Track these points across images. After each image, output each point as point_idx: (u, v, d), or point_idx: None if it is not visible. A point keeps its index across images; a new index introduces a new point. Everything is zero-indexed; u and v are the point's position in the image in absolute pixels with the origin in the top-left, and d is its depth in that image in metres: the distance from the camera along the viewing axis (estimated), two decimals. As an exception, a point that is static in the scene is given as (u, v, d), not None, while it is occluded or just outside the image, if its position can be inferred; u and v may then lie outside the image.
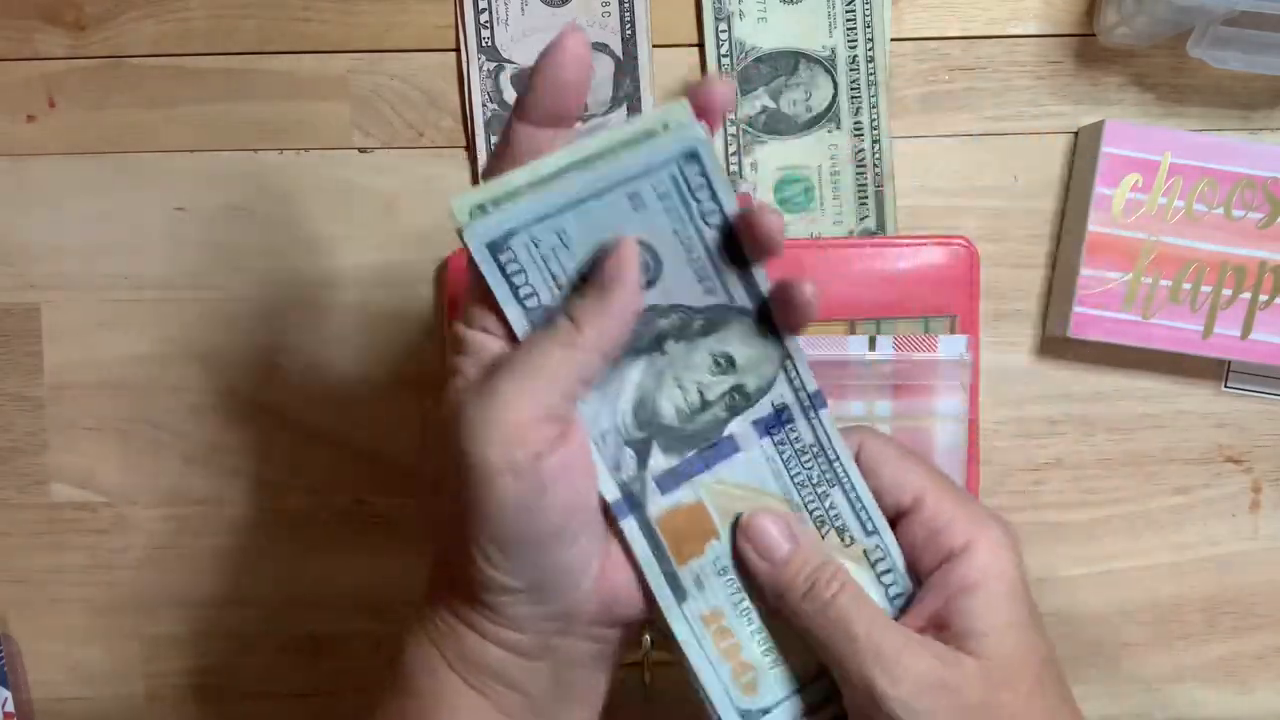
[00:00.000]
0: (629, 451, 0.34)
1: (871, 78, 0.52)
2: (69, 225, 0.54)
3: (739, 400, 0.35)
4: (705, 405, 0.35)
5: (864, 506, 0.36)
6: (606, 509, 0.34)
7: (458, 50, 0.53)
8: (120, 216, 0.54)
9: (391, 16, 0.53)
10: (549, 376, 0.31)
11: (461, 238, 0.31)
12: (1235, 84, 0.53)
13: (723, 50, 0.52)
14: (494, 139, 0.53)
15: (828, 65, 0.52)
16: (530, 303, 0.33)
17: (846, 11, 0.52)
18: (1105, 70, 0.53)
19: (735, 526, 0.35)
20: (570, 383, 0.31)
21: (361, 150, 0.54)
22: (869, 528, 0.36)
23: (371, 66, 0.53)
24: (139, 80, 0.53)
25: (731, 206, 0.33)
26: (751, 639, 0.35)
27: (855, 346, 0.49)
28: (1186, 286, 0.50)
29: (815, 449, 0.35)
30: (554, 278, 0.33)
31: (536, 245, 0.32)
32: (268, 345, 0.54)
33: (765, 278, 0.34)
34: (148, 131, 0.53)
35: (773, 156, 0.53)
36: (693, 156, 0.32)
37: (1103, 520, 0.54)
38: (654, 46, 0.53)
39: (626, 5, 0.52)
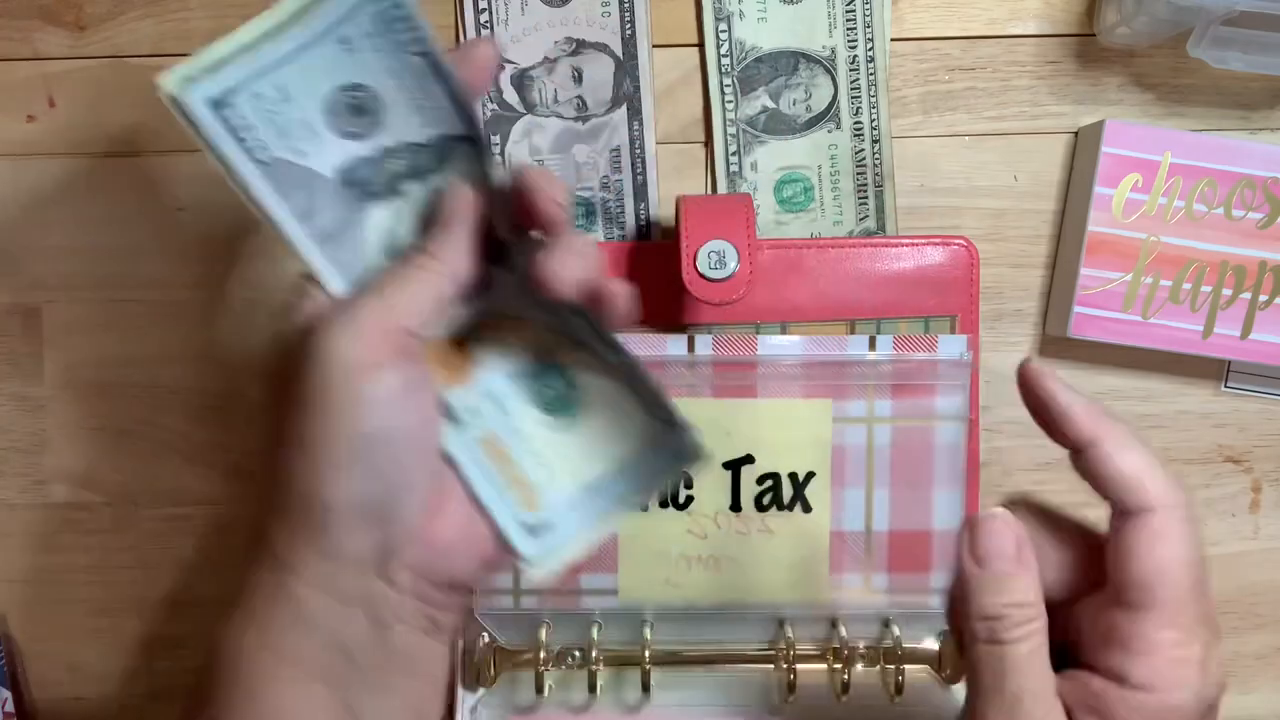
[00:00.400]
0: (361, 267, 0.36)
1: (871, 78, 0.52)
2: (69, 225, 0.54)
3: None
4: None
5: (609, 343, 0.37)
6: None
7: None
8: (120, 216, 0.54)
9: (391, 16, 0.53)
10: (410, 295, 0.34)
11: (179, 108, 0.32)
12: (1235, 84, 0.53)
13: (723, 50, 0.52)
14: (494, 139, 0.53)
15: (828, 65, 0.52)
16: (262, 155, 0.33)
17: (846, 11, 0.52)
18: (1105, 70, 0.53)
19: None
20: (429, 303, 0.35)
21: (361, 150, 0.53)
22: (623, 361, 0.37)
23: (371, 66, 0.53)
24: (139, 80, 0.53)
25: (429, 32, 0.33)
26: (527, 460, 0.37)
27: (855, 346, 0.49)
28: (1186, 286, 0.50)
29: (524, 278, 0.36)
30: (282, 129, 0.33)
31: (259, 99, 0.33)
32: (267, 345, 0.54)
33: (470, 100, 0.35)
34: (148, 131, 0.53)
35: (773, 156, 0.53)
36: None
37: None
38: (654, 46, 0.53)
39: (626, 5, 0.52)
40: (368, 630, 0.34)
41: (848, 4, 0.52)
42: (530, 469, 0.37)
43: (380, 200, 0.36)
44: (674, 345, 0.49)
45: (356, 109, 0.34)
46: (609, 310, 0.35)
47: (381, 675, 0.35)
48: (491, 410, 0.37)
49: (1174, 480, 0.33)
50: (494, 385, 0.38)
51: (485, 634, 0.51)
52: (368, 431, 0.33)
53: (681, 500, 0.50)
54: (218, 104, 0.32)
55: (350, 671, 0.34)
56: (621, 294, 0.35)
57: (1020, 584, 0.33)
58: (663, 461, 0.37)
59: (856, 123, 0.53)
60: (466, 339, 0.37)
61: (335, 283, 0.35)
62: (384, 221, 0.36)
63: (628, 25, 0.52)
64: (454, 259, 0.35)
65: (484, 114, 0.53)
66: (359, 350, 0.33)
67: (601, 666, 0.50)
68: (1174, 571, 0.32)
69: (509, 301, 0.37)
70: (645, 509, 0.49)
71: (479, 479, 0.36)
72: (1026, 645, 0.32)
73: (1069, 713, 0.32)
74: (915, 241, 0.51)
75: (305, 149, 0.34)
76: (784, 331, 0.50)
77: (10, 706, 0.53)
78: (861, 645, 0.51)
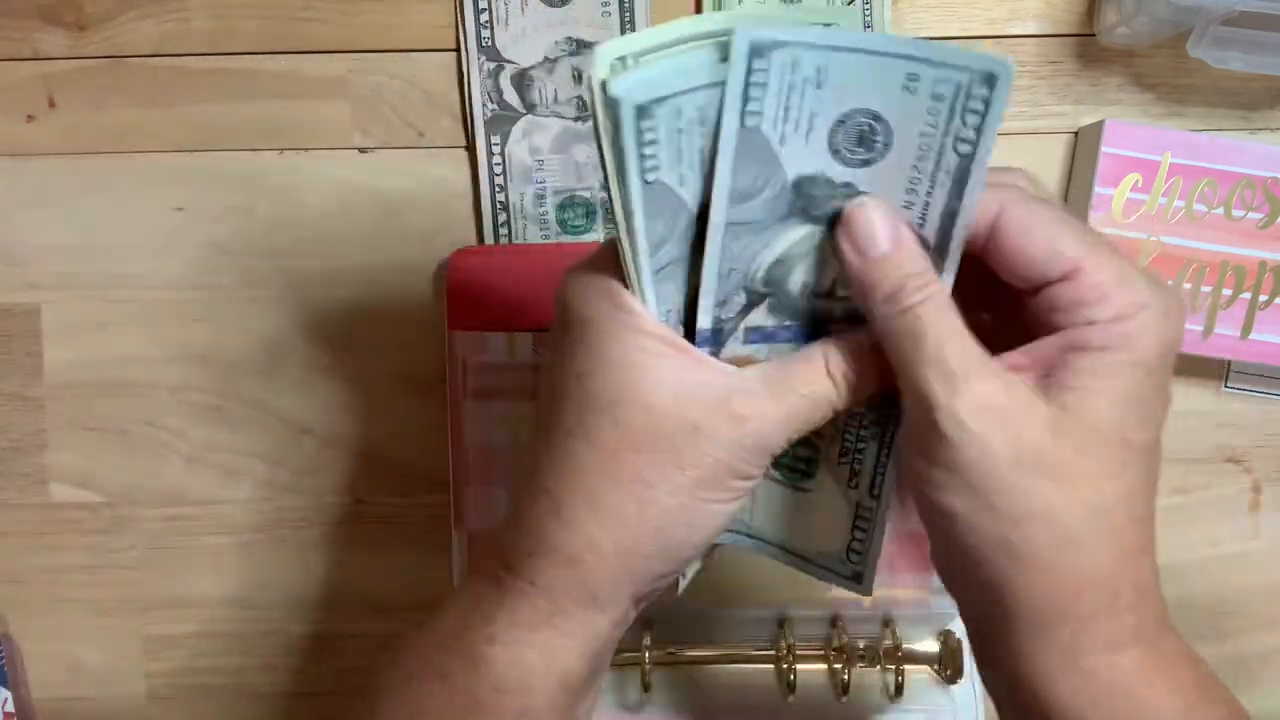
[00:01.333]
0: (741, 297, 0.34)
1: (871, 78, 0.52)
2: (69, 225, 0.54)
3: (856, 308, 0.34)
4: (830, 295, 0.35)
5: (885, 478, 0.36)
6: (690, 335, 0.34)
7: (458, 50, 0.53)
8: (120, 216, 0.54)
9: (391, 16, 0.53)
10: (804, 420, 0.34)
11: (608, 105, 0.29)
12: (1235, 84, 0.53)
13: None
14: (494, 139, 0.53)
15: (828, 65, 0.52)
16: (650, 175, 0.31)
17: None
18: (1105, 70, 0.53)
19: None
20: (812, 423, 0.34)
21: (361, 150, 0.54)
22: (875, 494, 0.36)
23: (371, 66, 0.53)
24: (139, 80, 0.53)
25: (985, 150, 0.31)
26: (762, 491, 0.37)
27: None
28: (1186, 286, 0.50)
29: (885, 400, 0.36)
30: (682, 152, 0.31)
31: (679, 115, 0.30)
32: (268, 345, 0.54)
33: (960, 245, 0.33)
34: (148, 131, 0.53)
35: (773, 156, 0.53)
36: (990, 79, 0.30)
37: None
38: (654, 46, 0.53)
39: (626, 5, 0.52)
40: (613, 647, 0.35)
41: (848, 4, 0.52)
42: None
43: (810, 223, 0.34)
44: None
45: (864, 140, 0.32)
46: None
47: (599, 681, 0.36)
48: None
49: None
50: None
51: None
52: (698, 542, 0.34)
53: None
54: (642, 111, 0.30)
55: (591, 683, 0.35)
56: None
57: (905, 256, 0.32)
58: (824, 571, 0.38)
59: (856, 123, 0.53)
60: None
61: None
62: (797, 242, 0.34)
63: (628, 25, 0.52)
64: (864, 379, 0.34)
65: (485, 114, 0.53)
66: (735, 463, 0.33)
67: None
68: (1072, 232, 0.32)
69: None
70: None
71: None
72: (932, 302, 0.31)
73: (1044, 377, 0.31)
74: (915, 241, 0.51)
75: (689, 177, 0.32)
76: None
77: (10, 706, 0.53)
78: (861, 645, 0.51)
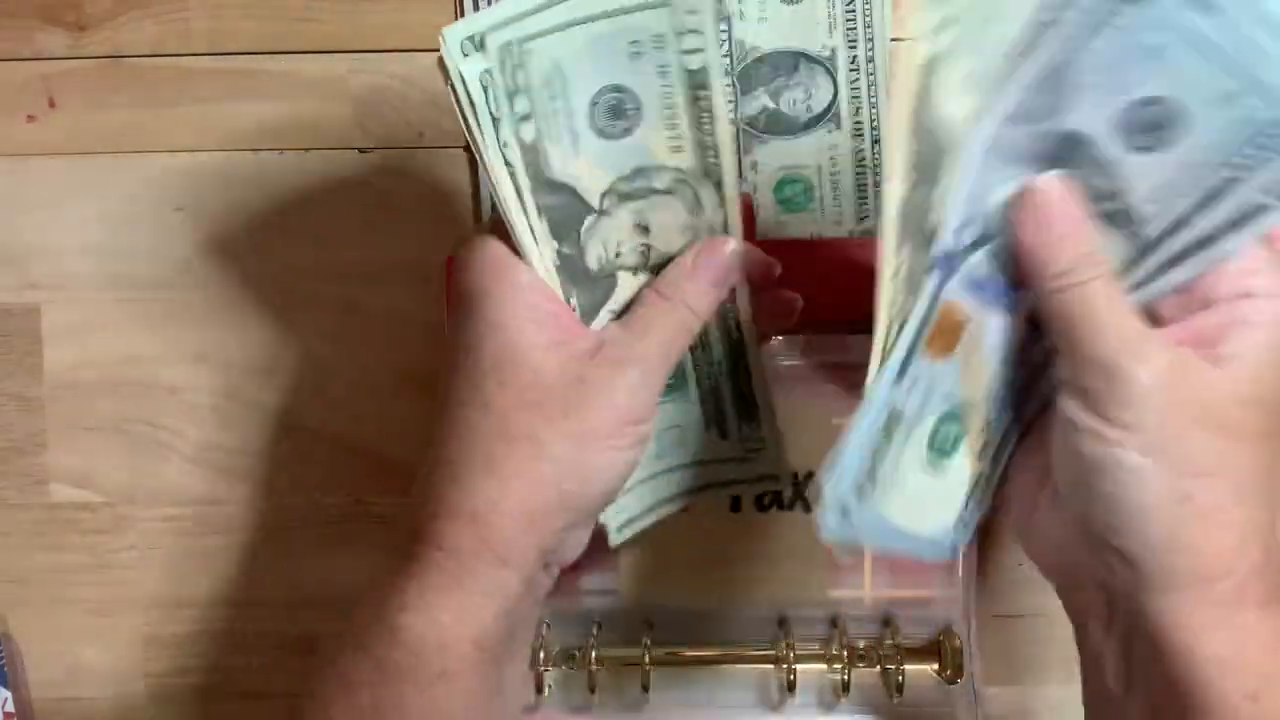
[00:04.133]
0: (977, 228, 0.34)
1: (872, 78, 0.52)
2: (69, 225, 0.54)
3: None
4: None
5: (1009, 445, 0.37)
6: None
7: (458, 50, 0.53)
8: (120, 216, 0.54)
9: (391, 16, 0.53)
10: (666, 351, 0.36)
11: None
12: (1235, 84, 0.53)
13: (723, 50, 0.52)
14: (494, 139, 0.53)
15: (828, 65, 0.52)
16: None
17: (847, 12, 0.52)
18: (1105, 70, 0.53)
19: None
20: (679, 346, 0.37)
21: (361, 150, 0.54)
22: (998, 460, 0.37)
23: (371, 66, 0.53)
24: (139, 80, 0.53)
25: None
26: (890, 461, 0.36)
27: (855, 347, 0.49)
28: (1186, 286, 0.50)
29: (1034, 374, 0.36)
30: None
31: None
32: (267, 345, 0.54)
33: None
34: (148, 131, 0.53)
35: (773, 156, 0.53)
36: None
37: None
38: (654, 46, 0.53)
39: (626, 5, 0.52)
40: (529, 609, 0.36)
41: (848, 4, 0.52)
42: (885, 469, 0.37)
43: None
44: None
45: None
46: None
47: (507, 660, 0.36)
48: (919, 397, 0.36)
49: None
50: (939, 386, 0.36)
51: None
52: (598, 492, 0.36)
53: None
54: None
55: (510, 647, 0.36)
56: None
57: (1083, 235, 0.33)
58: (933, 547, 0.38)
59: (857, 123, 0.53)
60: (970, 326, 0.36)
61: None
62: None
63: (628, 25, 0.52)
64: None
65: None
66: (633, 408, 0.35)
67: (601, 667, 0.50)
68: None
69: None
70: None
71: (860, 431, 0.35)
72: (1104, 279, 0.33)
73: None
74: (915, 241, 0.51)
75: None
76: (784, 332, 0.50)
77: (10, 706, 0.53)
78: (861, 645, 0.51)
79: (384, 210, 0.54)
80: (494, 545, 0.34)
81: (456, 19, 0.52)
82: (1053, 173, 0.33)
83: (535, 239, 0.35)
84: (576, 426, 0.34)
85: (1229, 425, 0.32)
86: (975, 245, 0.34)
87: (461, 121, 0.34)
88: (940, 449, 0.37)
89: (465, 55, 0.33)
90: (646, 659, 0.50)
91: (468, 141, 0.34)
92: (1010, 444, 0.37)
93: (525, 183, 0.35)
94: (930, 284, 0.34)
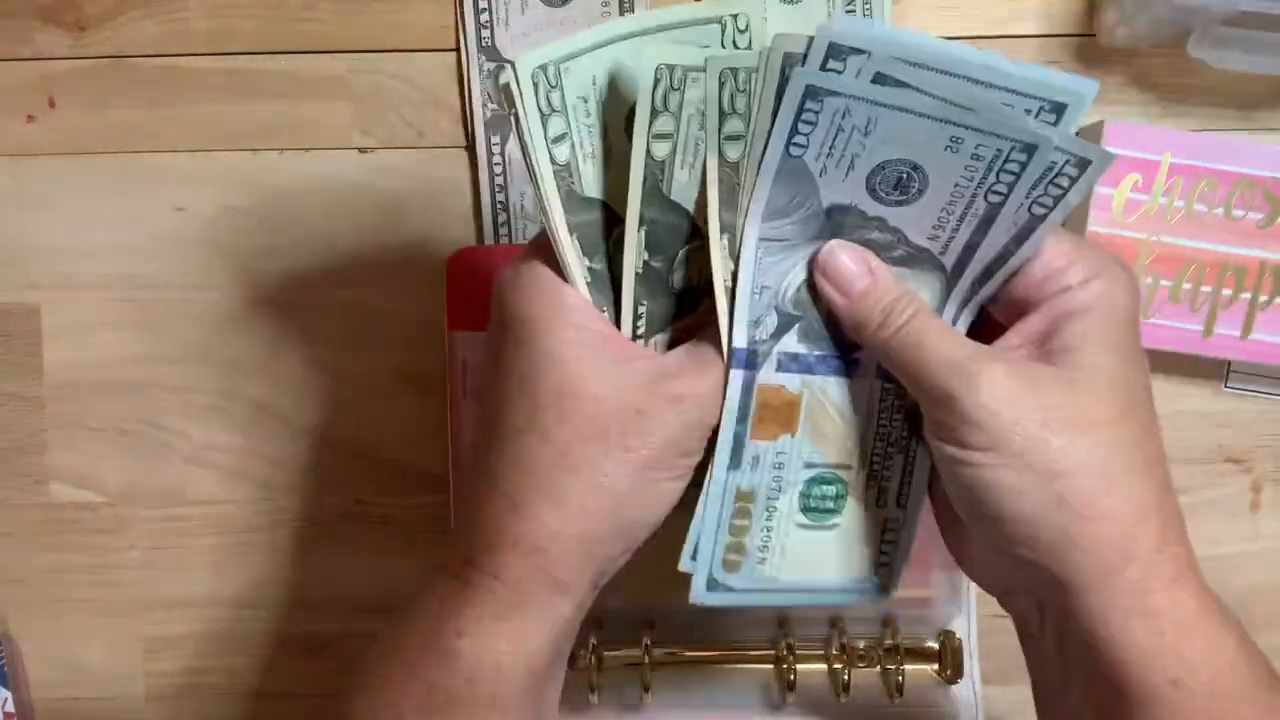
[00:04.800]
0: (775, 318, 0.36)
1: (871, 78, 0.52)
2: (69, 225, 0.54)
3: None
4: None
5: (911, 484, 0.38)
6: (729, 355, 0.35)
7: (458, 50, 0.53)
8: (120, 216, 0.54)
9: (391, 16, 0.53)
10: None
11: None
12: (1235, 84, 0.53)
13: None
14: (494, 139, 0.53)
15: (828, 65, 0.52)
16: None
17: (847, 11, 0.52)
18: (1105, 70, 0.53)
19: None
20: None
21: (361, 150, 0.54)
22: (902, 503, 0.38)
23: (371, 66, 0.53)
24: (139, 80, 0.53)
25: (1017, 203, 0.33)
26: (758, 532, 0.37)
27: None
28: (1186, 286, 0.50)
29: (909, 415, 0.37)
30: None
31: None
32: (268, 345, 0.54)
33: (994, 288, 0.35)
34: (148, 131, 0.53)
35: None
36: (1029, 149, 0.32)
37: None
38: (654, 46, 0.53)
39: (626, 5, 0.52)
40: (576, 628, 0.36)
41: (848, 4, 0.52)
42: (755, 541, 0.38)
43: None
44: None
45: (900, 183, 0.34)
46: None
47: (563, 664, 0.37)
48: (768, 473, 0.37)
49: None
50: (792, 458, 0.37)
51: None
52: (651, 520, 0.35)
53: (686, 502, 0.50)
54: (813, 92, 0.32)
55: (557, 666, 0.36)
56: None
57: (883, 285, 0.35)
58: (847, 594, 0.39)
59: (856, 123, 0.53)
60: (802, 399, 0.37)
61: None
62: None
63: (628, 25, 0.52)
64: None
65: (485, 114, 0.53)
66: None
67: (602, 667, 0.50)
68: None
69: (861, 402, 0.37)
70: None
71: (709, 518, 0.37)
72: (920, 315, 0.34)
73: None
74: (915, 241, 0.51)
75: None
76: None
77: (10, 706, 0.53)
78: (861, 645, 0.51)
79: (384, 210, 0.54)
80: (553, 574, 0.34)
81: (456, 19, 0.52)
82: (834, 241, 0.35)
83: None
84: (635, 459, 0.34)
85: (1078, 418, 0.33)
86: (779, 333, 0.36)
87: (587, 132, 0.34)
88: (820, 509, 0.38)
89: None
90: (646, 659, 0.50)
91: (518, 142, 0.34)
92: (913, 482, 0.38)
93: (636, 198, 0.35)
94: (736, 379, 0.35)
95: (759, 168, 0.33)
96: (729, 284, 0.35)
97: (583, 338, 0.34)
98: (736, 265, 0.34)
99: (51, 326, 0.54)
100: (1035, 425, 0.32)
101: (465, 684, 0.34)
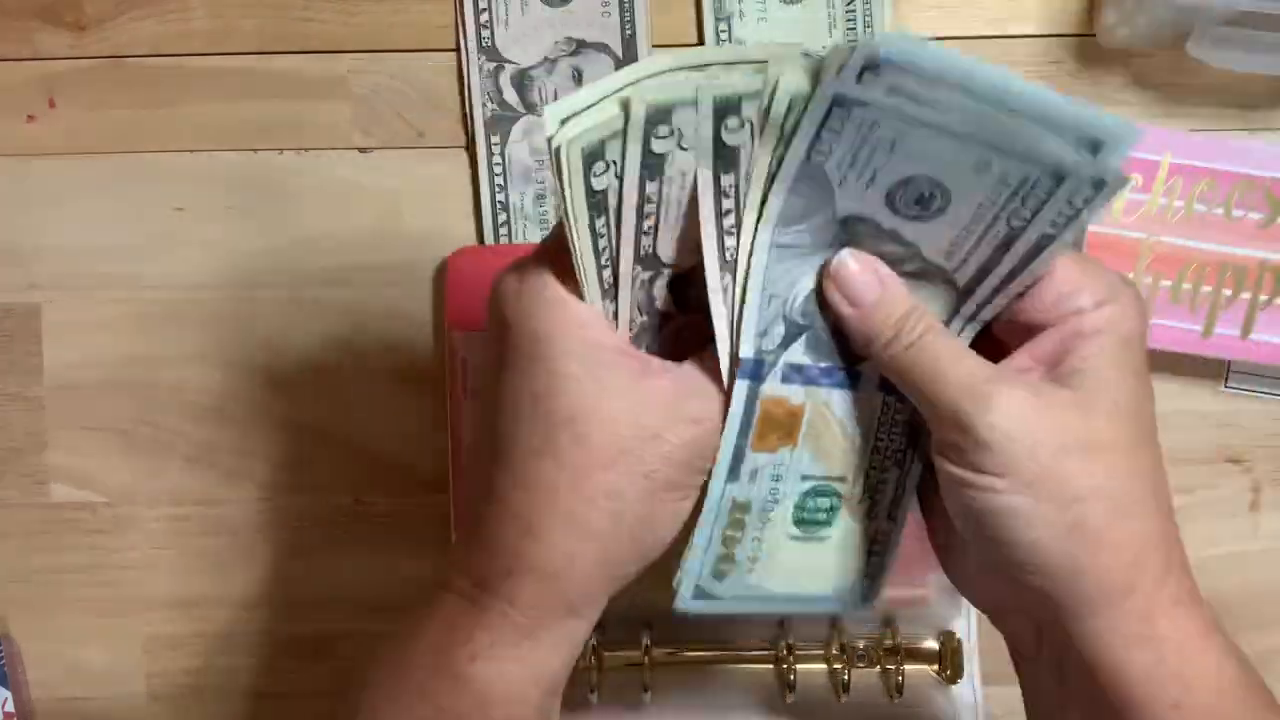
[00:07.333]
0: (782, 328, 0.35)
1: (871, 78, 0.52)
2: (69, 225, 0.54)
3: None
4: None
5: (903, 497, 0.38)
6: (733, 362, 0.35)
7: (458, 50, 0.53)
8: (120, 216, 0.54)
9: (391, 16, 0.53)
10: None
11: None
12: (1235, 84, 0.53)
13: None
14: (494, 139, 0.53)
15: (828, 65, 0.52)
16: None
17: (847, 11, 0.52)
18: (1105, 70, 0.53)
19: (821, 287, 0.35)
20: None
21: (361, 150, 0.54)
22: (892, 516, 0.38)
23: (371, 66, 0.53)
24: (139, 80, 0.53)
25: (1042, 229, 0.32)
26: (749, 543, 0.37)
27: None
28: (1186, 286, 0.51)
29: (908, 428, 0.37)
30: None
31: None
32: (268, 345, 0.54)
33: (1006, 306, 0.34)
34: (148, 131, 0.53)
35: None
36: (1058, 176, 0.31)
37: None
38: (654, 46, 0.53)
39: (626, 5, 0.52)
40: (584, 643, 0.36)
41: (848, 4, 0.52)
42: (745, 551, 0.38)
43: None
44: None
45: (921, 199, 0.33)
46: None
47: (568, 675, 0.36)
48: (765, 485, 0.37)
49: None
50: (790, 471, 0.37)
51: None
52: (666, 539, 0.35)
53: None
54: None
55: (565, 680, 0.36)
56: None
57: (894, 297, 0.34)
58: (830, 603, 0.39)
59: (856, 123, 0.53)
60: (805, 411, 0.37)
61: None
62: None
63: (628, 25, 0.52)
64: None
65: (485, 114, 0.53)
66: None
67: (602, 667, 0.50)
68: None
69: (864, 415, 0.37)
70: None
71: (704, 526, 0.36)
72: (933, 332, 0.34)
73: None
74: (915, 241, 0.51)
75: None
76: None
77: (10, 706, 0.53)
78: (861, 645, 0.51)
79: (384, 210, 0.54)
80: (569, 599, 0.34)
81: (456, 19, 0.53)
82: (845, 251, 0.34)
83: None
84: (652, 483, 0.33)
85: (1093, 443, 0.32)
86: (786, 343, 0.35)
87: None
88: (812, 521, 0.38)
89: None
90: (646, 659, 0.50)
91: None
92: (906, 496, 0.38)
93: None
94: (740, 391, 0.35)
95: (774, 174, 0.32)
96: (732, 292, 0.34)
97: (597, 356, 0.33)
98: (747, 273, 0.34)
99: (51, 326, 0.54)
100: (1053, 449, 0.32)
101: (477, 707, 0.33)
